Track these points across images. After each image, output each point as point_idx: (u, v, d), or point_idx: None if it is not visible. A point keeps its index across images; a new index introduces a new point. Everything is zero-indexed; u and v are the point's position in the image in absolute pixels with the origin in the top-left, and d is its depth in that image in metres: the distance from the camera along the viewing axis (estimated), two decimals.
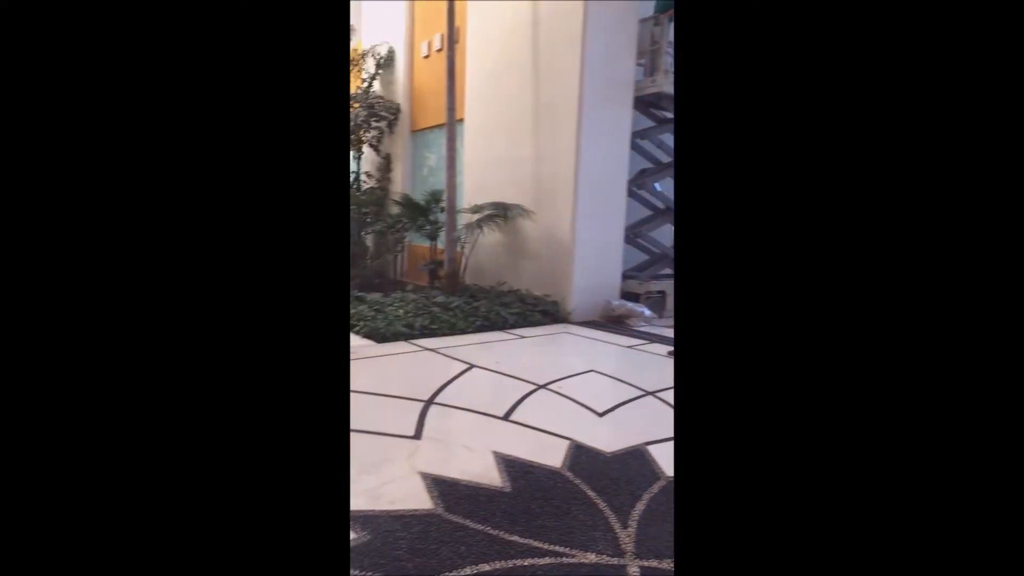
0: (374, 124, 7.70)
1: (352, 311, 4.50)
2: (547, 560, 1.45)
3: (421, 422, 2.41)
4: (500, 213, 5.34)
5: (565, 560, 1.45)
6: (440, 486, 1.83)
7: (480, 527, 1.59)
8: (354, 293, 5.29)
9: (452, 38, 5.44)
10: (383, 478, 1.87)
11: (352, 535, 1.52)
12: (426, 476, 1.89)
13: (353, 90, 8.31)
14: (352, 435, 2.23)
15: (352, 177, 8.33)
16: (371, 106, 7.61)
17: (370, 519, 1.61)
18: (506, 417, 2.52)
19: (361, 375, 3.19)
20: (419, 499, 1.74)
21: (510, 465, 2.01)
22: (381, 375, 3.21)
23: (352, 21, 8.76)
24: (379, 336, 3.98)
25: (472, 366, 3.35)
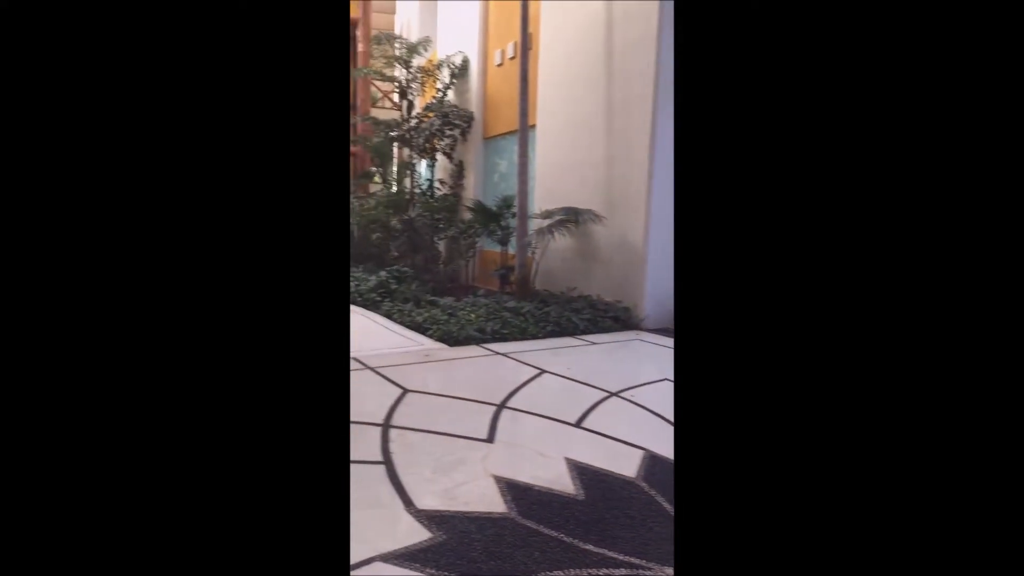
0: (448, 132, 7.88)
1: (426, 314, 4.62)
2: (623, 571, 1.42)
3: (494, 425, 2.43)
4: (571, 218, 5.32)
5: (642, 573, 1.42)
6: (513, 490, 1.83)
7: (554, 534, 1.58)
8: (427, 297, 5.42)
9: (526, 45, 5.48)
10: (457, 479, 1.90)
11: (428, 534, 1.55)
12: (499, 479, 1.90)
13: (428, 100, 8.55)
14: (426, 435, 2.28)
15: (426, 184, 8.56)
16: (445, 115, 7.80)
17: (445, 519, 1.64)
18: (578, 424, 2.50)
19: (434, 377, 3.26)
20: (493, 502, 1.75)
21: (583, 472, 1.99)
22: (453, 378, 3.27)
23: (428, 32, 9.02)
24: (452, 339, 4.05)
25: (543, 371, 3.35)
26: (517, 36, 6.01)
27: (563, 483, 1.90)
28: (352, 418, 2.45)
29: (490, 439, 2.28)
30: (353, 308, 5.46)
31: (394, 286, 5.92)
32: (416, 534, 1.55)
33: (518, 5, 5.55)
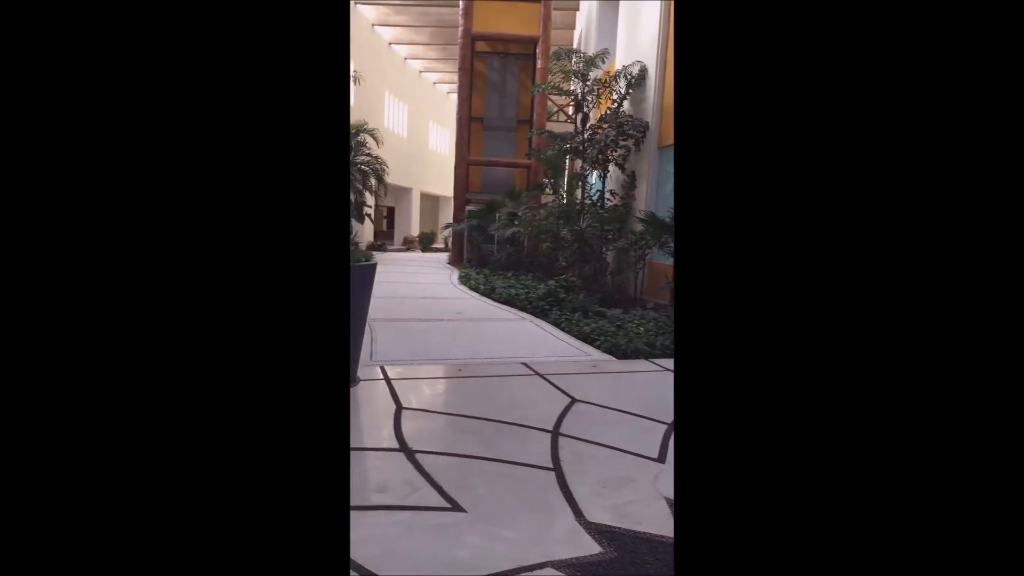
0: (621, 143, 7.82)
1: (593, 326, 4.61)
2: None
3: (664, 445, 2.33)
4: None
5: None
6: None
7: None
8: (595, 308, 5.42)
9: None
10: (628, 496, 1.85)
11: (598, 548, 1.53)
12: (672, 502, 1.82)
13: (604, 111, 8.57)
14: (595, 447, 2.26)
15: (596, 196, 8.58)
16: (620, 125, 7.74)
17: (616, 536, 1.60)
18: None
19: (602, 389, 3.23)
20: (665, 525, 1.68)
21: None
22: (622, 391, 3.21)
23: (606, 44, 9.06)
24: (619, 352, 3.99)
25: None
26: None
27: None
28: (522, 422, 2.52)
29: (660, 459, 2.19)
30: (522, 315, 5.64)
31: (562, 295, 6.02)
32: (586, 546, 1.54)
33: None
